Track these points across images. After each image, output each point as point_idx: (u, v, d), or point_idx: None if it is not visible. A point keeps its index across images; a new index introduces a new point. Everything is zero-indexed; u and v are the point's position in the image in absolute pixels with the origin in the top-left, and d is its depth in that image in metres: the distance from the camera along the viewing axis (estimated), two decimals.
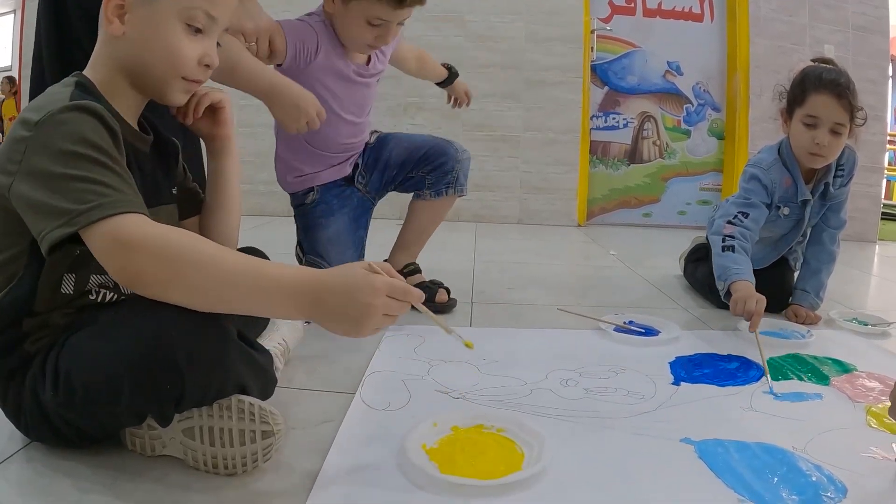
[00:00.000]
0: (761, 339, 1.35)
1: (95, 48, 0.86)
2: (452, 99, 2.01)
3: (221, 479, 0.82)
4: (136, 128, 0.90)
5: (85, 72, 0.86)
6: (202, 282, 0.74)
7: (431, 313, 0.87)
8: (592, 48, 3.48)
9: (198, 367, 0.75)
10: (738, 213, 1.61)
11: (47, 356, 0.79)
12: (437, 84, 1.98)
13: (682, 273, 2.16)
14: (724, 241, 1.57)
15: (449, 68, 1.95)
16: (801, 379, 1.22)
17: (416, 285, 1.35)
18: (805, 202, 1.64)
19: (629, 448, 0.95)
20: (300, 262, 1.66)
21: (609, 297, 1.93)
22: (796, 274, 1.79)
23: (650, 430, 1.01)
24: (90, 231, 0.71)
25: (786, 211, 1.65)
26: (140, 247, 0.71)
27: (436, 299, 1.64)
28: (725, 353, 1.37)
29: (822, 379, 1.23)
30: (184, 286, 0.73)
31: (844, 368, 1.29)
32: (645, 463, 0.90)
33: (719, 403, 1.11)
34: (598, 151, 3.64)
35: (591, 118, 3.58)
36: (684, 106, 3.58)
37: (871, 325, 1.61)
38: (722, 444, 0.95)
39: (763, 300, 1.39)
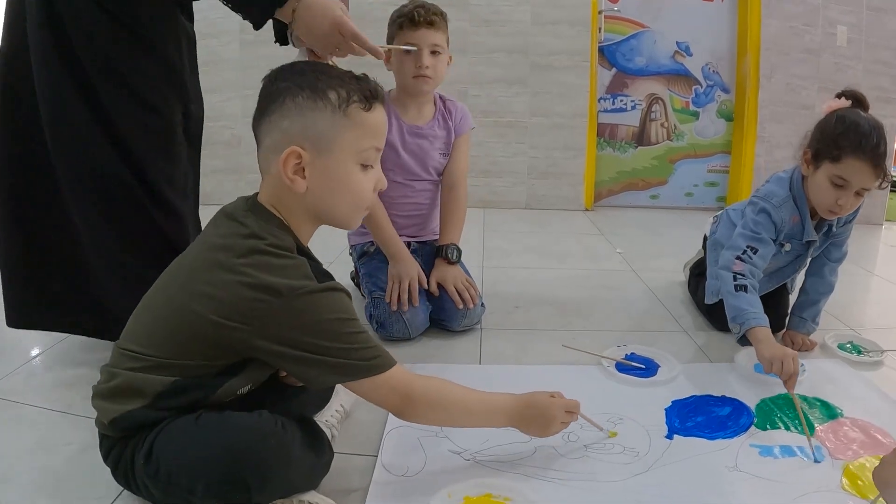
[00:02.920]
0: (800, 404, 1.38)
1: (269, 189, 0.98)
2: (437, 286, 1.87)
3: None
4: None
5: (263, 201, 0.99)
6: (452, 418, 1.12)
7: (588, 417, 1.30)
8: (600, 29, 3.49)
9: (266, 487, 0.92)
10: (748, 247, 1.64)
11: (151, 430, 0.93)
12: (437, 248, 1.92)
13: (686, 283, 2.26)
14: (735, 279, 1.60)
15: (455, 251, 1.88)
16: (787, 428, 1.34)
17: None
18: (809, 243, 1.71)
19: None
20: (360, 291, 2.01)
21: (614, 318, 2.04)
22: (792, 296, 1.89)
23: (641, 494, 1.14)
24: (367, 380, 0.96)
25: (788, 247, 1.71)
26: (415, 396, 1.02)
27: None
28: (720, 395, 1.50)
29: (809, 428, 1.35)
30: (439, 419, 1.12)
31: (831, 413, 1.41)
32: None
33: (707, 462, 1.24)
34: (605, 134, 3.69)
35: (599, 100, 3.61)
36: (693, 87, 3.60)
37: (866, 352, 1.71)
38: None
39: (797, 359, 1.41)
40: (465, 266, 1.97)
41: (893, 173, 1.63)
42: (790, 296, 1.90)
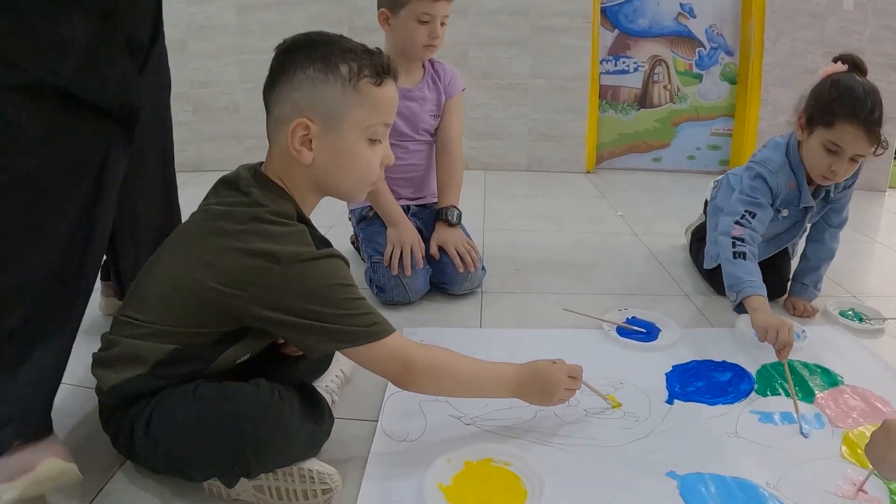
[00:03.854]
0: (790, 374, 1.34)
1: (275, 160, 0.95)
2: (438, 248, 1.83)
3: None
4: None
5: (267, 171, 0.96)
6: (453, 387, 1.09)
7: (591, 386, 1.27)
8: None
9: (265, 459, 0.90)
10: (746, 212, 1.61)
11: (150, 400, 0.91)
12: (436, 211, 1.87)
13: (688, 247, 2.22)
14: (734, 244, 1.57)
15: (455, 213, 1.84)
16: (787, 395, 1.32)
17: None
18: (807, 209, 1.67)
19: (620, 482, 1.07)
20: (360, 255, 1.98)
21: (615, 281, 2.01)
22: (794, 262, 1.85)
23: (641, 461, 1.12)
24: (365, 347, 0.94)
25: (785, 213, 1.67)
26: (414, 364, 0.99)
27: None
28: (720, 360, 1.47)
29: (808, 395, 1.33)
30: (439, 389, 1.06)
31: (832, 381, 1.39)
32: (632, 500, 1.03)
33: (707, 428, 1.22)
34: (607, 96, 3.60)
35: (601, 62, 3.52)
36: (696, 49, 3.50)
37: (867, 320, 1.68)
38: (702, 480, 1.07)
39: (792, 329, 1.39)
40: (466, 229, 1.93)
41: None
42: (791, 261, 1.86)
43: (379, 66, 0.94)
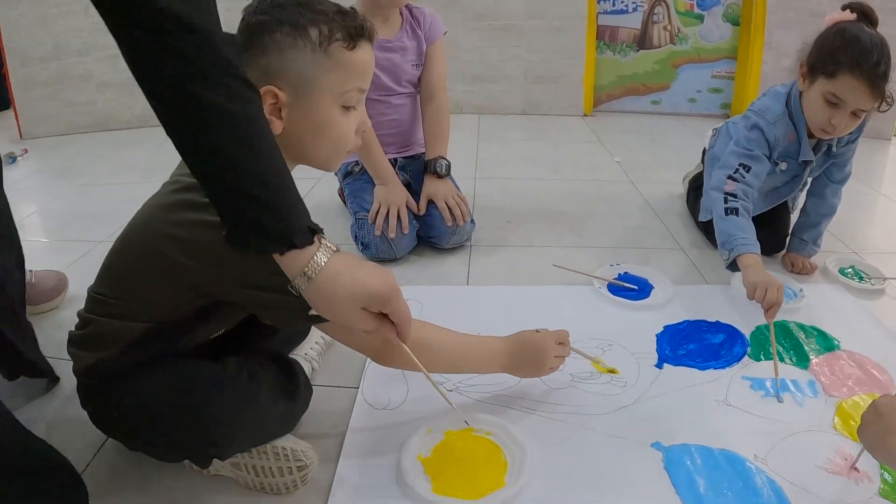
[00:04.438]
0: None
1: None
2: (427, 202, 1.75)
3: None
4: None
5: None
6: (437, 362, 1.00)
7: (582, 351, 1.22)
8: None
9: (232, 440, 0.87)
10: (740, 165, 1.52)
11: (123, 380, 0.87)
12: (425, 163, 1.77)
13: (685, 197, 2.14)
14: (726, 200, 1.49)
15: (443, 165, 1.74)
16: (781, 359, 1.27)
17: None
18: (806, 163, 1.58)
19: (604, 454, 1.03)
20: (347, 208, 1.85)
21: (608, 234, 1.93)
22: (793, 216, 1.77)
23: (626, 430, 1.08)
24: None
25: (783, 166, 1.57)
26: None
27: None
28: (714, 321, 1.41)
29: (803, 360, 1.27)
30: (428, 363, 0.93)
31: (828, 345, 1.33)
32: (615, 472, 0.99)
33: (696, 395, 1.17)
34: (605, 37, 3.43)
35: (598, 2, 3.33)
36: None
37: (868, 279, 1.61)
38: (688, 452, 1.03)
39: (782, 289, 1.32)
40: (455, 180, 1.84)
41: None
42: (791, 215, 1.78)
43: (352, 29, 0.86)
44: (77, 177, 2.33)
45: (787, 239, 1.72)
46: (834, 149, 1.55)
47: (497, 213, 2.07)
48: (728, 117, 3.41)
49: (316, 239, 0.76)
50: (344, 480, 0.96)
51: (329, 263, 0.75)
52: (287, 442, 0.95)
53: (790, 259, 1.68)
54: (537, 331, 1.12)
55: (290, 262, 0.74)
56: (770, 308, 1.30)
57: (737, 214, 1.46)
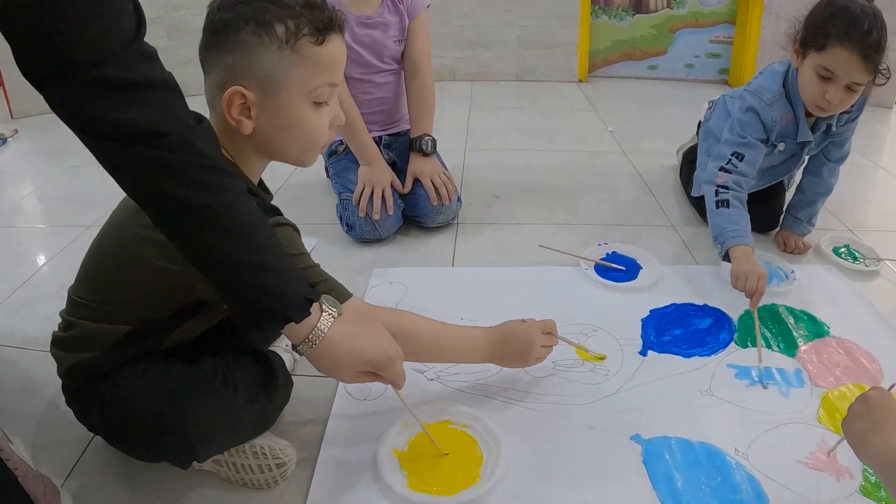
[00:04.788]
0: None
1: (217, 126, 0.84)
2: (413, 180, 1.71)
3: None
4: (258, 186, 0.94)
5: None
6: (420, 351, 1.02)
7: (570, 340, 1.21)
8: None
9: (209, 443, 0.86)
10: (732, 155, 1.47)
11: (104, 381, 0.87)
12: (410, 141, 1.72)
13: (679, 170, 2.09)
14: (717, 193, 1.44)
15: (429, 142, 1.69)
16: (769, 346, 1.24)
17: None
18: (804, 143, 1.52)
19: (583, 446, 1.02)
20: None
21: (599, 209, 1.89)
22: (788, 193, 1.73)
23: (606, 421, 1.06)
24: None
25: (781, 147, 1.51)
26: None
27: None
28: (701, 304, 1.39)
29: (791, 347, 1.25)
30: (407, 350, 0.92)
31: (818, 331, 1.30)
32: (593, 466, 0.98)
33: (679, 384, 1.15)
34: (600, 1, 3.33)
35: None
36: None
37: (862, 260, 1.58)
38: (668, 445, 1.01)
39: (765, 278, 1.29)
40: (442, 156, 1.79)
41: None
42: (787, 192, 1.74)
43: (319, 22, 0.82)
44: (69, 157, 2.27)
45: (782, 217, 1.68)
46: (833, 128, 1.49)
47: (486, 188, 2.03)
48: (726, 83, 3.35)
49: (315, 308, 0.80)
50: (323, 477, 0.96)
51: (329, 333, 0.81)
52: (265, 440, 0.95)
53: (783, 237, 1.64)
54: (523, 320, 1.10)
55: (293, 332, 0.80)
56: (752, 296, 1.28)
57: (727, 206, 1.42)
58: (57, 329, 0.93)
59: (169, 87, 0.68)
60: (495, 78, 3.40)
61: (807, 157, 1.58)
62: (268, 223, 0.79)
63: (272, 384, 0.97)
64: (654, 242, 1.68)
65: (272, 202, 0.96)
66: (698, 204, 1.79)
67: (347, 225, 1.65)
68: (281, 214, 0.91)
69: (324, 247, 1.66)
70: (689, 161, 2.01)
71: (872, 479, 0.94)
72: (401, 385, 0.90)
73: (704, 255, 1.62)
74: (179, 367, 0.88)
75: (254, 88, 0.82)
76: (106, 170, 0.69)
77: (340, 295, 0.93)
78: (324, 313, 0.82)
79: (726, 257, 1.38)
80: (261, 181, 0.96)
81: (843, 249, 1.63)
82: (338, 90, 0.90)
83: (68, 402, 0.93)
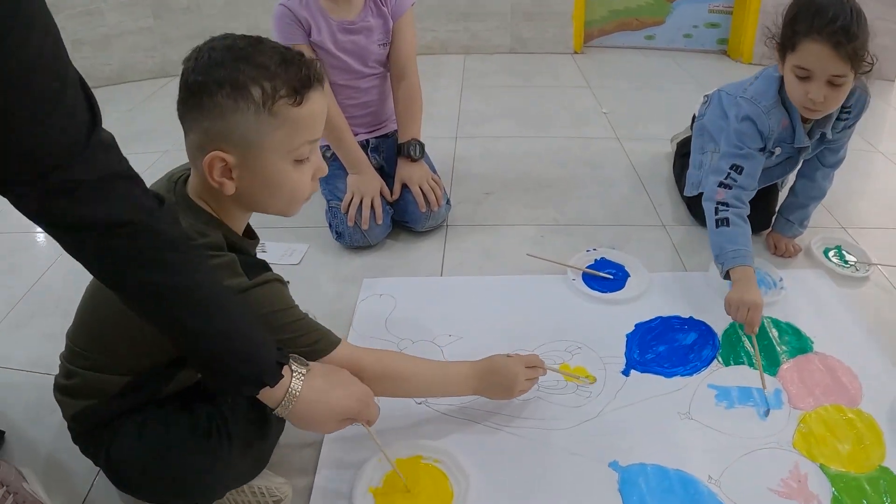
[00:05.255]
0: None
1: (199, 182, 0.88)
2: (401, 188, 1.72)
3: None
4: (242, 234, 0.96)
5: (191, 193, 0.89)
6: (407, 389, 1.09)
7: (560, 370, 1.26)
8: None
9: (210, 495, 0.94)
10: (731, 168, 1.46)
11: (104, 432, 0.92)
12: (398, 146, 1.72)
13: (672, 162, 2.10)
14: (716, 211, 1.44)
15: (417, 147, 1.70)
16: (752, 365, 1.28)
17: None
18: (801, 149, 1.51)
19: (560, 474, 1.07)
20: None
21: (590, 208, 1.91)
22: (782, 194, 1.74)
23: (586, 447, 1.11)
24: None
25: (778, 151, 1.51)
26: (364, 373, 0.97)
27: None
28: (687, 316, 1.42)
29: (773, 364, 1.28)
30: (394, 392, 1.05)
31: (801, 346, 1.34)
32: (569, 495, 1.03)
33: (660, 407, 1.20)
34: None
35: None
36: None
37: (853, 265, 1.59)
38: (644, 472, 1.06)
39: (757, 309, 1.28)
40: (430, 158, 1.80)
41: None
42: (780, 192, 1.75)
43: (296, 82, 0.82)
44: None
45: (774, 217, 1.70)
46: (829, 135, 1.48)
47: (476, 183, 2.04)
48: (725, 54, 3.31)
49: (286, 371, 0.84)
50: None
51: (303, 392, 0.85)
52: (262, 481, 1.01)
53: (774, 240, 1.66)
54: (508, 355, 1.15)
55: (268, 396, 0.84)
56: (747, 328, 1.29)
57: (728, 225, 1.41)
58: (58, 373, 0.96)
59: (129, 178, 0.70)
60: (488, 51, 3.36)
61: (802, 160, 1.58)
62: (235, 294, 0.82)
63: (266, 424, 1.01)
64: (644, 246, 1.71)
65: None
66: (690, 202, 1.81)
67: (337, 232, 1.67)
68: (268, 269, 0.92)
69: (314, 253, 1.69)
70: (682, 154, 2.02)
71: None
72: (375, 419, 0.96)
73: (694, 259, 1.65)
74: (177, 420, 0.92)
75: (233, 152, 0.83)
76: (72, 256, 0.71)
77: (330, 343, 0.96)
78: (294, 374, 0.85)
79: (727, 275, 1.38)
80: (248, 225, 0.99)
81: (833, 250, 1.65)
82: (318, 144, 0.91)
83: (75, 441, 0.97)
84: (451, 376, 1.11)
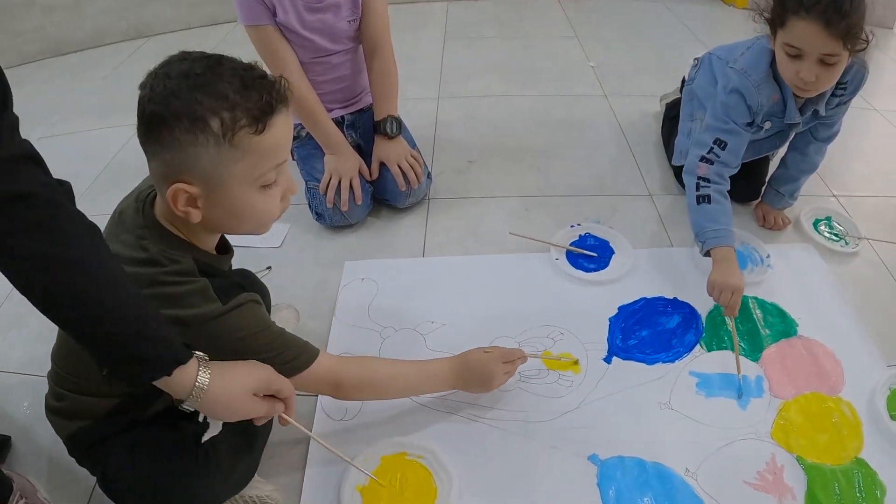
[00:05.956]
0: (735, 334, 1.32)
1: (166, 207, 0.85)
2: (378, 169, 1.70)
3: None
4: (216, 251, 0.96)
5: (159, 216, 0.88)
6: (387, 393, 1.13)
7: (543, 357, 1.29)
8: None
9: None
10: (714, 143, 1.44)
11: (98, 450, 0.95)
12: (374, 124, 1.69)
13: (661, 124, 2.08)
14: (698, 188, 1.43)
15: (394, 124, 1.66)
16: (732, 350, 1.31)
17: None
18: (791, 125, 1.49)
19: (540, 468, 1.11)
20: None
21: (575, 175, 1.90)
22: (772, 162, 1.73)
23: (566, 440, 1.15)
24: (292, 380, 0.93)
25: (767, 125, 1.48)
26: (344, 382, 1.03)
27: None
28: (672, 297, 1.44)
29: (756, 349, 1.31)
30: (375, 397, 1.13)
31: (786, 329, 1.36)
32: (548, 490, 1.08)
33: (640, 397, 1.23)
34: None
35: None
36: None
37: (843, 237, 1.60)
38: (622, 466, 1.11)
39: (739, 292, 1.29)
40: (410, 132, 1.78)
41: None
42: (770, 163, 1.74)
43: (257, 110, 0.79)
44: (34, 126, 2.24)
45: (763, 188, 1.70)
46: (822, 112, 1.45)
47: (459, 150, 2.02)
48: None
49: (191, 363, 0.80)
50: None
51: (212, 377, 0.81)
52: (253, 490, 1.06)
53: (763, 212, 1.67)
54: (486, 350, 1.18)
55: (177, 383, 0.79)
56: (725, 311, 1.31)
57: (709, 202, 1.41)
58: (48, 392, 0.98)
59: (34, 159, 0.70)
60: None
61: (793, 135, 1.56)
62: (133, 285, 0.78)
63: (253, 436, 1.05)
64: (630, 218, 1.71)
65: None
66: (678, 171, 1.80)
67: (317, 213, 1.66)
68: (243, 289, 0.91)
69: (295, 234, 1.68)
70: (670, 117, 2.00)
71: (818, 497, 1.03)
72: (292, 398, 0.91)
73: (679, 231, 1.66)
74: (165, 439, 0.94)
75: (196, 183, 0.81)
76: None
77: (310, 356, 0.98)
78: (199, 361, 0.82)
79: (708, 254, 1.39)
80: (221, 238, 0.98)
81: (823, 222, 1.66)
82: (286, 165, 0.89)
83: (71, 454, 0.99)
84: (428, 376, 1.14)
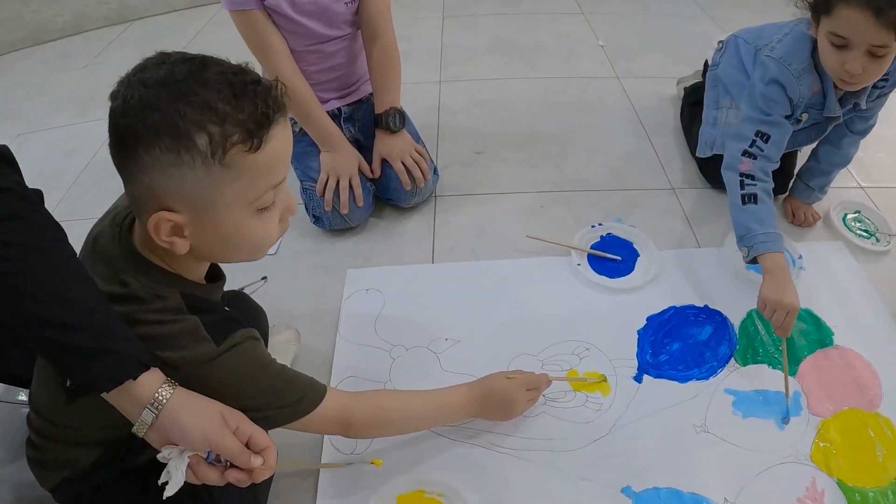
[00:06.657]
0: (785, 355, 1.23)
1: (148, 236, 0.75)
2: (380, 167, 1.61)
3: None
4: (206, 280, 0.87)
5: (139, 246, 0.79)
6: (403, 428, 1.08)
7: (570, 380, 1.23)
8: None
9: None
10: (756, 135, 1.35)
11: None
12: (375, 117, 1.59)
13: (679, 111, 2.00)
14: (742, 185, 1.34)
15: (396, 117, 1.57)
16: (770, 364, 1.25)
17: None
18: (830, 118, 1.41)
19: (570, 503, 1.05)
20: None
21: (591, 165, 1.83)
22: (801, 155, 1.66)
23: (596, 470, 1.10)
24: (298, 422, 0.89)
25: (804, 116, 1.40)
26: (355, 421, 0.96)
27: None
28: (702, 304, 1.38)
29: (793, 362, 1.26)
30: (390, 433, 1.08)
31: (822, 339, 1.31)
32: None
33: (674, 420, 1.17)
34: None
35: None
36: None
37: (875, 234, 1.55)
38: (658, 497, 1.06)
39: (795, 312, 1.19)
40: (414, 125, 1.70)
41: None
42: (798, 154, 1.66)
43: (251, 123, 0.69)
44: (14, 122, 2.14)
45: (792, 181, 1.63)
46: (862, 105, 1.37)
47: (465, 140, 1.94)
48: None
49: (153, 371, 0.74)
50: None
51: (174, 394, 0.74)
52: None
53: (792, 207, 1.60)
54: (508, 376, 1.11)
55: (131, 397, 0.73)
56: (777, 331, 1.23)
57: (755, 202, 1.32)
58: (28, 441, 0.90)
59: (6, 160, 0.69)
60: None
61: (830, 128, 1.48)
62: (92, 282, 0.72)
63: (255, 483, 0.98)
64: (653, 214, 1.64)
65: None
66: (702, 163, 1.73)
67: (314, 216, 1.58)
68: (238, 323, 0.83)
69: (291, 239, 1.60)
70: (691, 103, 1.92)
71: None
72: (266, 442, 0.81)
73: (706, 228, 1.60)
74: (156, 493, 0.85)
75: (181, 209, 0.71)
76: None
77: (318, 393, 0.91)
78: (165, 381, 0.75)
79: (753, 261, 1.30)
80: (212, 266, 0.89)
81: (853, 215, 1.60)
82: (285, 183, 0.80)
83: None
84: (445, 407, 1.08)
